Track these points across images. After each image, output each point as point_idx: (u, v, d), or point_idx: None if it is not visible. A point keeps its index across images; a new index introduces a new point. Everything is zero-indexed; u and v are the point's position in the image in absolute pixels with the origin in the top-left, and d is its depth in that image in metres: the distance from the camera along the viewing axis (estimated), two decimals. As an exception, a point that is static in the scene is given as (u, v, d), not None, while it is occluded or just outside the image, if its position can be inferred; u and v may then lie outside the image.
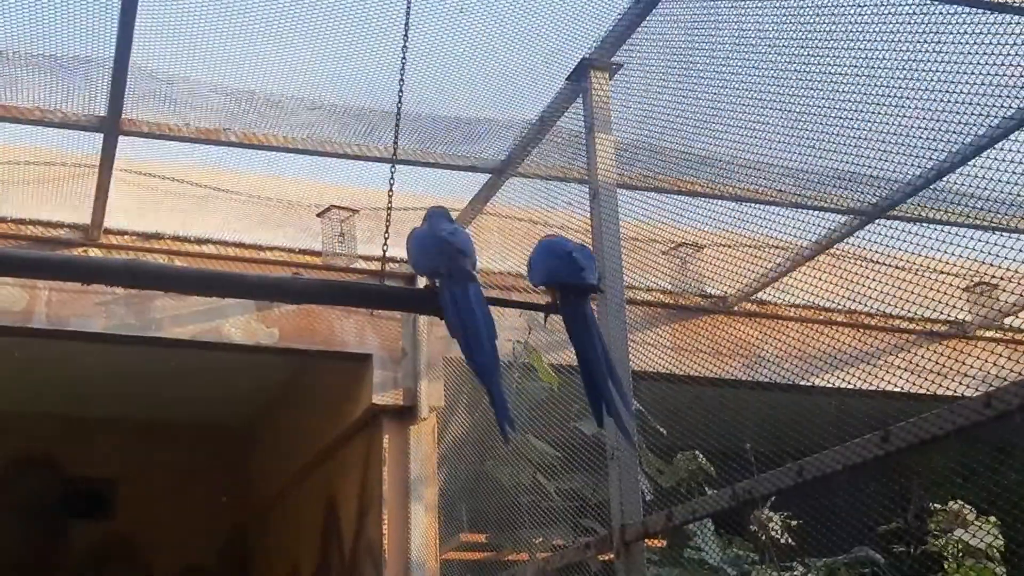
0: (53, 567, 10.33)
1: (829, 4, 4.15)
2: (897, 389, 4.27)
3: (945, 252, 4.03)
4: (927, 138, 4.02)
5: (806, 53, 4.27)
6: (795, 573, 5.68)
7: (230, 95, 5.29)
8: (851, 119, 4.26)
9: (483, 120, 5.54)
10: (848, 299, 5.05)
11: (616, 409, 2.77)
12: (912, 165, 4.30)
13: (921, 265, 4.11)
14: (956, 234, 4.01)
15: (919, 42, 3.78)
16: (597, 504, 5.59)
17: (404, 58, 4.52)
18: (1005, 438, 4.77)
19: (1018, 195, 3.91)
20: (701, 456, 6.03)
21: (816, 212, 5.37)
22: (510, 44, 4.94)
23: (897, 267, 4.25)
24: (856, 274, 4.64)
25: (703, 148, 5.01)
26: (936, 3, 3.73)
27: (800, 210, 5.24)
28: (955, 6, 3.69)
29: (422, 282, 6.60)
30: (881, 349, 6.44)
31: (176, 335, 6.40)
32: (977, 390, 3.04)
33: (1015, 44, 3.49)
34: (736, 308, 6.93)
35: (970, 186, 4.06)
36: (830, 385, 5.41)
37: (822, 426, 4.30)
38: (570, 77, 4.99)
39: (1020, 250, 3.46)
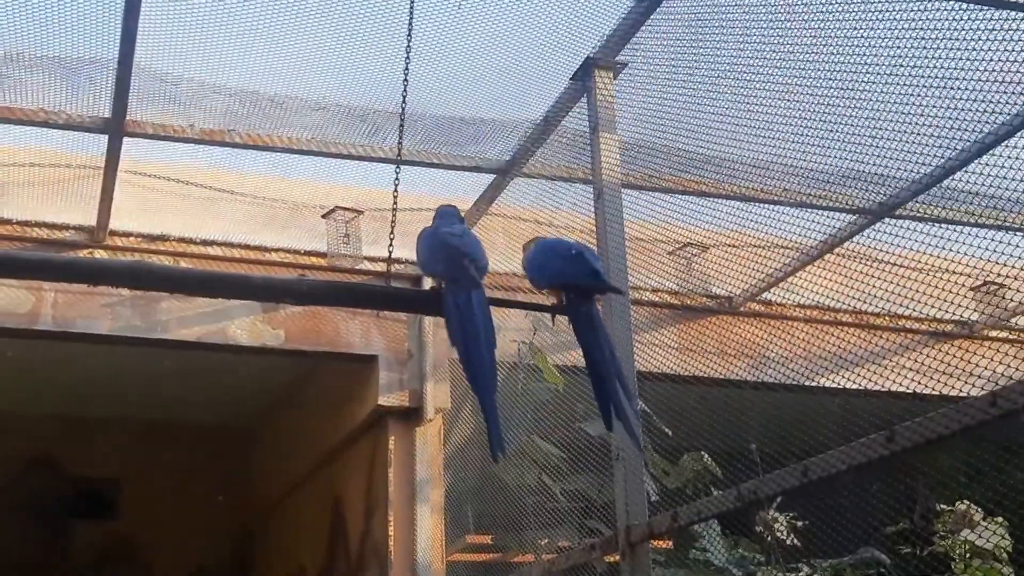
0: (56, 567, 10.34)
1: (835, 1, 4.14)
2: (903, 389, 4.25)
3: (952, 251, 4.01)
4: (934, 136, 3.99)
5: (812, 51, 4.25)
6: (801, 574, 5.67)
7: (234, 96, 5.28)
8: (857, 117, 4.24)
9: (487, 120, 5.53)
10: (854, 299, 5.04)
11: (624, 412, 2.75)
12: (919, 163, 4.27)
13: (928, 264, 4.09)
14: (963, 233, 4.00)
15: (925, 39, 3.77)
16: (602, 505, 5.58)
17: (408, 58, 4.52)
18: (1011, 438, 4.75)
19: (1025, 193, 3.88)
20: (707, 457, 6.02)
21: (822, 211, 5.35)
22: (514, 44, 4.93)
23: (904, 267, 4.23)
24: (862, 274, 4.63)
25: (708, 147, 4.99)
26: (942, 0, 3.71)
27: (806, 209, 5.22)
28: (961, 3, 3.67)
29: (428, 282, 6.62)
30: (887, 349, 6.42)
31: (182, 337, 6.40)
32: (983, 390, 3.02)
33: (1021, 41, 3.47)
34: (742, 308, 6.91)
35: (977, 184, 4.03)
36: (836, 385, 5.39)
37: (827, 426, 4.28)
38: (574, 76, 4.98)
39: (1027, 249, 3.44)
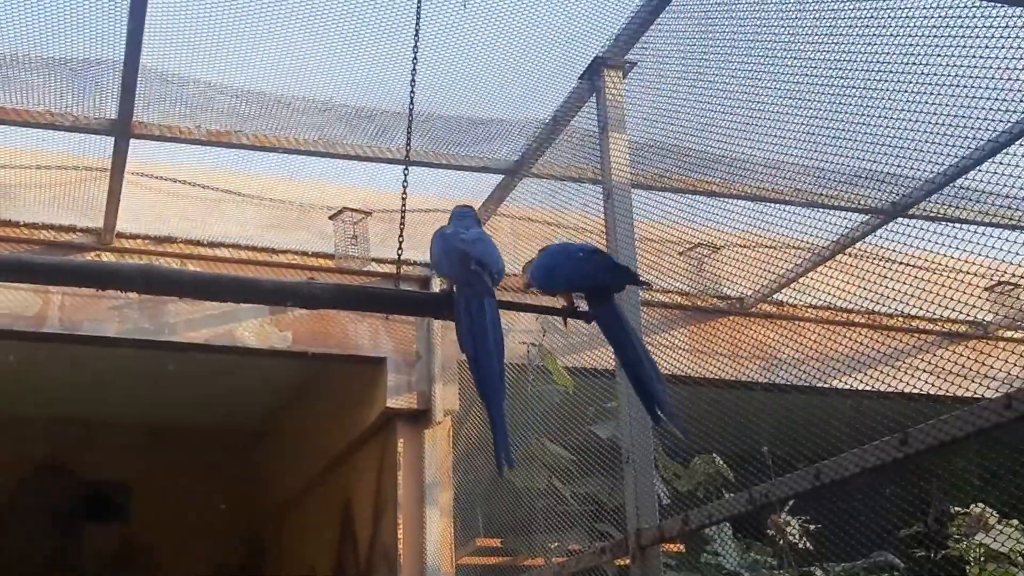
0: (68, 571, 10.35)
1: (847, -1, 4.10)
2: (916, 391, 4.20)
3: (966, 251, 3.96)
4: (947, 135, 3.94)
5: (824, 49, 4.20)
6: (814, 578, 5.62)
7: (241, 97, 5.26)
8: (870, 116, 4.19)
9: (496, 120, 5.50)
10: (867, 299, 4.99)
11: (666, 403, 2.69)
12: (932, 163, 4.23)
13: (941, 264, 4.05)
14: (977, 232, 3.94)
15: (938, 37, 3.72)
16: (613, 508, 5.55)
17: (415, 58, 4.49)
18: (1027, 440, 4.69)
19: (1040, 192, 3.84)
20: (718, 459, 5.97)
21: (834, 211, 5.31)
22: (522, 44, 4.90)
23: (917, 267, 4.18)
24: (875, 274, 4.58)
25: (719, 147, 4.95)
26: (954, -3, 3.67)
27: (818, 209, 5.17)
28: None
29: (437, 283, 6.59)
30: (900, 350, 6.36)
31: (190, 339, 6.38)
32: (998, 391, 2.98)
33: (1036, 38, 3.42)
34: (753, 309, 6.86)
35: (991, 183, 3.98)
36: (848, 387, 5.34)
37: (839, 428, 4.24)
38: (583, 76, 4.94)
39: (1042, 248, 3.40)
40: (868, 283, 4.65)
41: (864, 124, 4.28)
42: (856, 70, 4.18)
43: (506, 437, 2.61)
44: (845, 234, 5.68)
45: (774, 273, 6.13)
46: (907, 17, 3.84)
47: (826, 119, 4.39)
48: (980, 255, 3.94)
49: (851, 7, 4.13)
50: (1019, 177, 3.61)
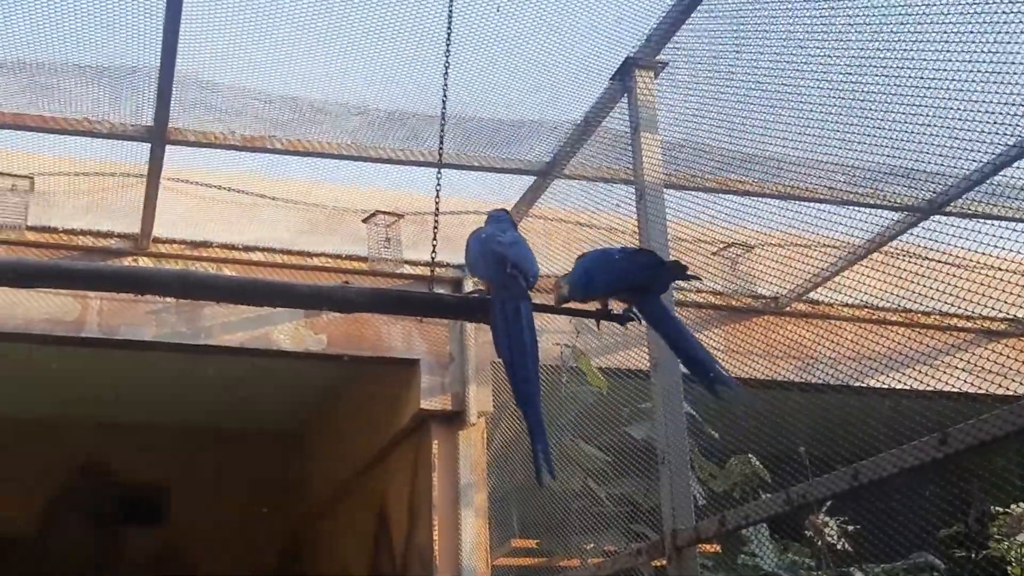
0: (109, 574, 10.45)
1: (880, -5, 4.06)
2: (954, 390, 4.16)
3: (1003, 248, 3.93)
4: (983, 131, 3.90)
5: (857, 46, 4.18)
6: (852, 579, 5.58)
7: (274, 102, 5.30)
8: (904, 113, 4.16)
9: (527, 122, 5.51)
10: (903, 298, 4.94)
11: (724, 375, 2.71)
12: (968, 159, 4.19)
13: (978, 262, 4.01)
14: (1014, 229, 3.91)
15: (974, 32, 3.68)
16: (649, 509, 5.53)
17: (447, 62, 4.50)
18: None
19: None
20: (755, 460, 5.94)
21: (869, 209, 5.26)
22: (553, 45, 4.90)
23: (954, 264, 4.15)
24: (911, 272, 4.53)
25: (751, 146, 4.93)
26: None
27: (852, 207, 5.14)
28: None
29: (469, 283, 6.60)
30: (938, 349, 6.30)
31: (226, 342, 6.43)
32: (1039, 390, 2.95)
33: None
34: (788, 309, 6.82)
35: (1028, 180, 3.94)
36: (885, 386, 5.30)
37: (876, 428, 4.21)
38: (614, 77, 4.94)
39: (1082, 244, 3.35)
40: (904, 281, 4.61)
41: (899, 120, 4.24)
42: (889, 67, 4.15)
43: (547, 445, 2.62)
44: (880, 232, 5.63)
45: (808, 272, 6.09)
46: (942, 12, 3.81)
47: (859, 116, 4.36)
48: (1018, 252, 3.90)
49: (885, 3, 4.09)
50: (1057, 173, 3.57)
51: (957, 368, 4.23)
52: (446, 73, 4.52)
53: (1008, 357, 3.68)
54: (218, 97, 5.25)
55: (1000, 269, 3.89)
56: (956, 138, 4.00)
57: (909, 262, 4.74)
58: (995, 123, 3.84)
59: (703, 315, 6.87)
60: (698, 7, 4.51)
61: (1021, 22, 3.52)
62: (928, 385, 4.82)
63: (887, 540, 5.30)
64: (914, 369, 4.91)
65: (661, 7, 4.59)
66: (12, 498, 10.04)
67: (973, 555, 5.62)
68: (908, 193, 5.02)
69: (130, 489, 10.71)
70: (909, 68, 4.06)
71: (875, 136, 4.37)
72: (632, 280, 2.85)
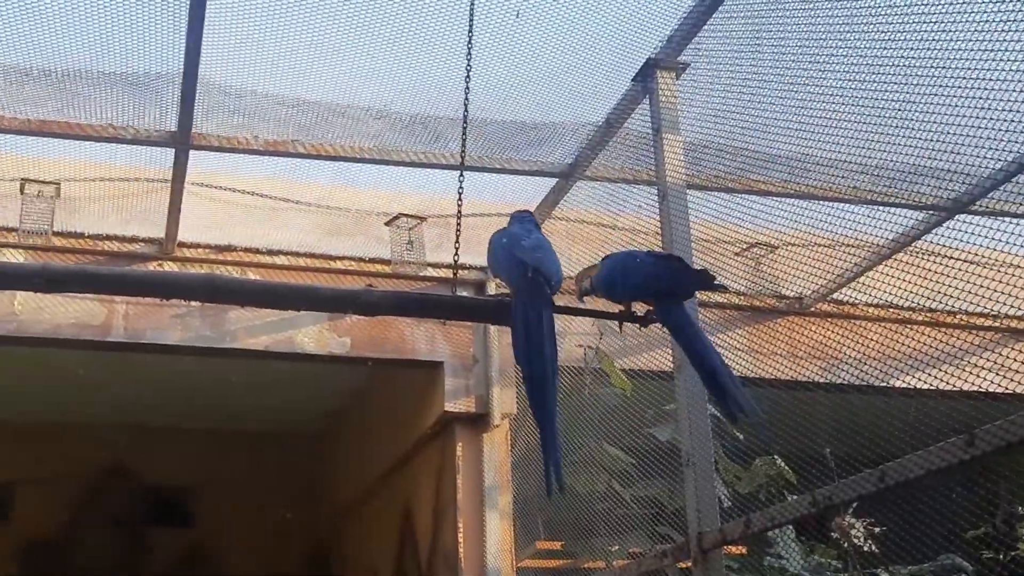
0: (135, 575, 10.52)
1: (903, -7, 4.04)
2: (981, 390, 4.13)
3: (1029, 247, 3.88)
4: (1008, 130, 3.87)
5: (879, 44, 4.15)
6: (879, 581, 5.54)
7: (297, 107, 5.33)
8: (928, 111, 4.13)
9: (549, 124, 5.51)
10: (928, 298, 4.90)
11: (745, 400, 2.67)
12: (993, 158, 4.15)
13: (1004, 261, 3.97)
14: (1041, 228, 3.86)
15: (997, 30, 3.65)
16: (674, 511, 5.52)
17: (469, 65, 4.50)
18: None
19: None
20: (780, 461, 5.91)
21: (893, 209, 5.23)
22: (575, 47, 4.90)
23: (979, 264, 4.11)
24: (936, 272, 4.50)
25: (774, 146, 4.91)
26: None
27: (876, 207, 5.10)
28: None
29: (492, 285, 6.60)
30: (964, 349, 6.24)
31: (250, 346, 6.47)
32: (1067, 390, 2.92)
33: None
34: (812, 309, 6.78)
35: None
36: (910, 387, 5.26)
37: (902, 429, 4.18)
38: (636, 78, 4.93)
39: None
40: (929, 281, 4.57)
41: (923, 119, 4.21)
42: (913, 64, 4.12)
43: (559, 458, 2.59)
44: (904, 232, 5.59)
45: (832, 272, 6.06)
46: (966, 9, 3.78)
47: (882, 115, 4.33)
48: (1044, 250, 3.86)
49: (908, 1, 4.07)
50: (1084, 171, 3.54)
51: (983, 368, 4.20)
52: (468, 76, 4.52)
53: (1035, 357, 3.65)
54: (241, 102, 5.28)
55: (1027, 268, 3.85)
56: (980, 136, 3.96)
57: (934, 262, 4.70)
58: (1020, 120, 3.81)
59: (726, 316, 6.85)
60: (719, 8, 4.50)
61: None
62: (954, 385, 4.78)
63: (914, 542, 5.25)
64: (940, 369, 4.86)
65: (682, 8, 4.59)
66: (40, 500, 10.14)
67: (1001, 557, 5.57)
68: (933, 192, 4.98)
69: (157, 491, 10.79)
70: (932, 67, 4.03)
71: (898, 135, 4.34)
72: (657, 286, 2.83)
